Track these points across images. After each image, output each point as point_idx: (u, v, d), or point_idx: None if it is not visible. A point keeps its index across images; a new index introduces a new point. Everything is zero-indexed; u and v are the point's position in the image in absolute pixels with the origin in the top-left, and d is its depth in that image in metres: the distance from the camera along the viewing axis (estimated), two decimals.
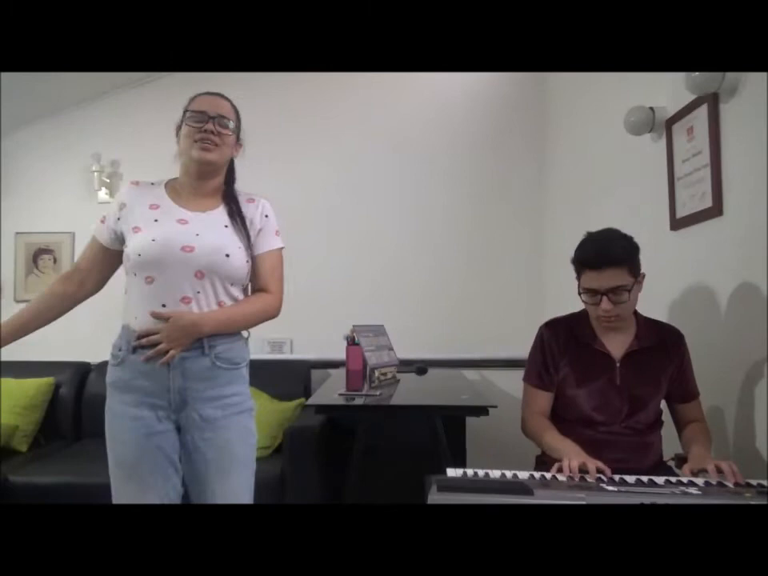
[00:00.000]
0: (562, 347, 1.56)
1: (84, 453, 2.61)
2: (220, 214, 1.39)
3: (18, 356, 2.86)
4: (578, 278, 1.50)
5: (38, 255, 3.23)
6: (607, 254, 1.42)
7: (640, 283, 1.47)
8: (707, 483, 1.20)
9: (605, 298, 1.43)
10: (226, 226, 1.38)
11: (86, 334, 3.14)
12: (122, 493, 1.31)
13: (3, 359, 2.79)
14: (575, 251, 1.50)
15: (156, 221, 1.34)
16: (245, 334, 1.42)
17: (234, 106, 1.42)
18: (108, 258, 1.42)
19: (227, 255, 1.34)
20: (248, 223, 1.41)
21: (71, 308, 1.42)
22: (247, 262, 1.39)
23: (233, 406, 1.36)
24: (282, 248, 1.47)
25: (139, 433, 1.30)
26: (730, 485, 1.19)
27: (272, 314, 1.42)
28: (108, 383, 1.36)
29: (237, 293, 1.39)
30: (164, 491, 1.30)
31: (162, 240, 1.30)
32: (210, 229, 1.35)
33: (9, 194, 3.21)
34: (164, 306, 1.29)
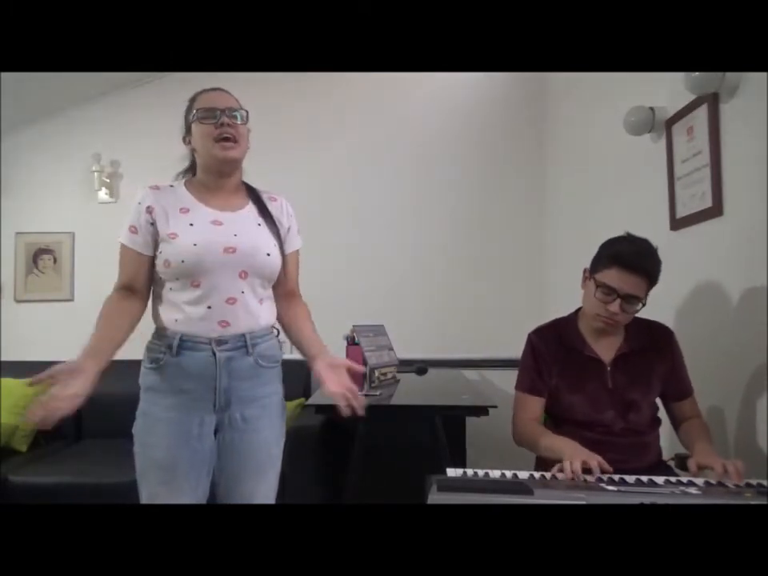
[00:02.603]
0: (552, 354, 1.56)
1: (84, 453, 2.62)
2: (250, 212, 1.39)
3: (18, 356, 2.89)
4: (596, 271, 1.46)
5: (38, 255, 3.23)
6: (644, 261, 1.40)
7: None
8: (707, 483, 1.20)
9: (618, 301, 1.41)
10: (259, 225, 1.38)
11: (86, 334, 3.14)
12: (155, 495, 1.29)
13: (3, 359, 2.82)
14: (607, 246, 1.47)
15: (191, 225, 1.31)
16: (275, 331, 1.43)
17: (236, 98, 1.40)
18: (148, 264, 1.35)
19: (268, 254, 1.35)
20: (276, 222, 1.42)
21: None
22: (281, 259, 1.39)
23: (271, 406, 1.39)
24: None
25: (179, 436, 1.29)
26: (730, 485, 1.19)
27: None
28: (146, 387, 1.34)
29: (270, 290, 1.41)
30: (195, 494, 1.30)
31: (204, 244, 1.29)
32: (245, 228, 1.35)
33: (9, 193, 3.21)
34: (209, 308, 1.29)
